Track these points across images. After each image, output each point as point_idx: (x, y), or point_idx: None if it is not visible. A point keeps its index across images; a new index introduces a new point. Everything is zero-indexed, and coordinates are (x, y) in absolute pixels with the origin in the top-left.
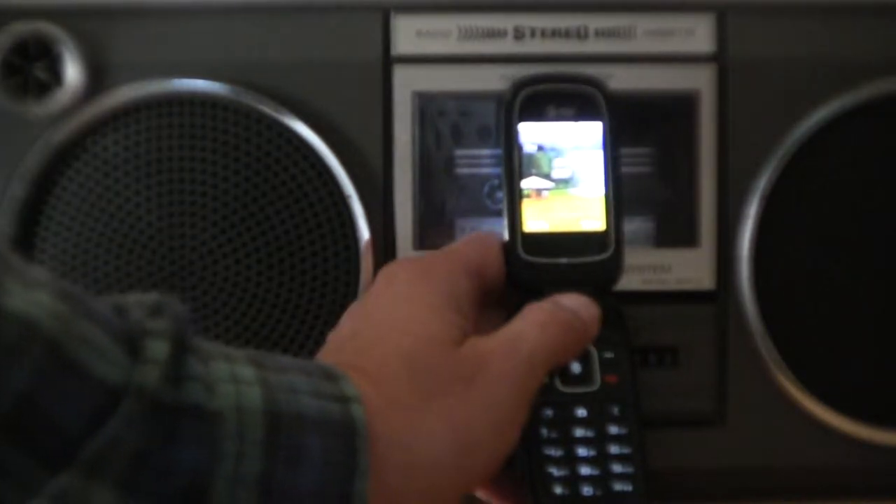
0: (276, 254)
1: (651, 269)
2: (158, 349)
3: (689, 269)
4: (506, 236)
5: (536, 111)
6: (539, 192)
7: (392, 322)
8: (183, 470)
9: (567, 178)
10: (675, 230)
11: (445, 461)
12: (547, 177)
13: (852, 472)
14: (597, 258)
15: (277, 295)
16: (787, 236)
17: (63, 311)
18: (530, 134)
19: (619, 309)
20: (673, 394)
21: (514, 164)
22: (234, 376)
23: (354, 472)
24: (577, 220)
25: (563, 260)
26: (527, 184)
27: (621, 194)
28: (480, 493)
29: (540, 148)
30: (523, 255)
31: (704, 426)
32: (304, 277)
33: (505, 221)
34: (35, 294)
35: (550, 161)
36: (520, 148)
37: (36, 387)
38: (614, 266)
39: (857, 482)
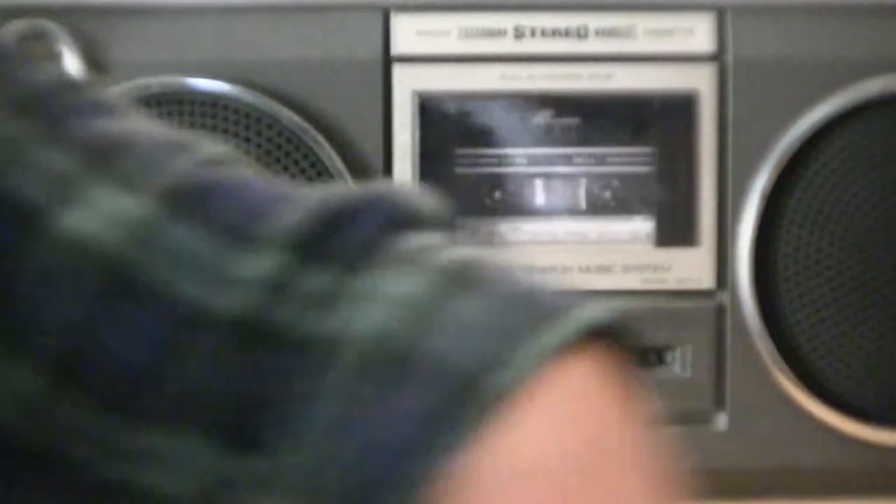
0: None
1: (651, 268)
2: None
3: (689, 268)
4: None
5: None
6: None
7: None
8: None
9: None
10: (675, 230)
11: None
12: None
13: (851, 472)
14: None
15: None
16: (786, 236)
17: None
18: None
19: None
20: (672, 393)
21: None
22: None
23: None
24: None
25: None
26: None
27: None
28: None
29: None
30: None
31: (704, 426)
32: None
33: None
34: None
35: None
36: None
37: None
38: None
39: (856, 481)
